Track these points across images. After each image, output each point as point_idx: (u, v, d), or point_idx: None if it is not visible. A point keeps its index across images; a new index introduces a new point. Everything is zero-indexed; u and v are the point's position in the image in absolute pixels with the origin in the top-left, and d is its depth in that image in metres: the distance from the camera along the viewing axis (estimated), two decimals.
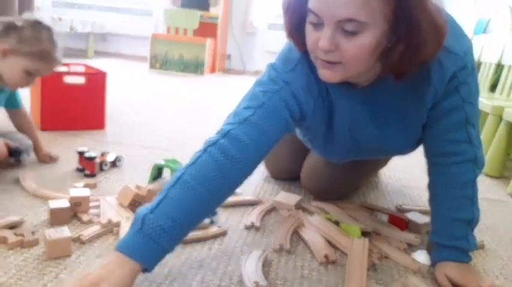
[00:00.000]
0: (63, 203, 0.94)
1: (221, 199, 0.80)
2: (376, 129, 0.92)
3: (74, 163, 1.29)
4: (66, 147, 1.45)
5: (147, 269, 0.68)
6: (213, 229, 0.97)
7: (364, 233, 0.99)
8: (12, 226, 0.88)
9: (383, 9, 0.67)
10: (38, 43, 1.10)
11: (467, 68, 0.82)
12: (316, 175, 1.23)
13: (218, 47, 4.68)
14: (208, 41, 4.35)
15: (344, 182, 1.22)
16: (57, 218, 0.92)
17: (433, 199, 0.94)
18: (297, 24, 0.77)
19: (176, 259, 0.84)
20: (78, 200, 0.96)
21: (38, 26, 1.11)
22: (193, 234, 0.93)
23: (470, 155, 0.87)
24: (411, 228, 1.07)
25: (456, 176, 0.88)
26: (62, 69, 1.64)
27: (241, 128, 0.80)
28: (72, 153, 1.33)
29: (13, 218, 0.90)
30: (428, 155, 0.94)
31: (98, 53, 5.09)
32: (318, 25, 0.71)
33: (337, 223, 1.03)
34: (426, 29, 0.69)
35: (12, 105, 1.28)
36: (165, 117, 2.15)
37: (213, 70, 4.67)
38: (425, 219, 1.09)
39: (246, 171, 0.80)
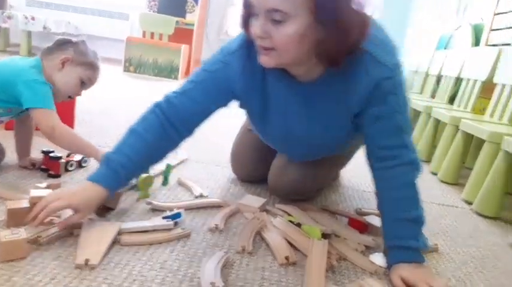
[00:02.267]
0: (22, 203, 0.92)
1: (165, 148, 1.01)
2: (306, 124, 1.02)
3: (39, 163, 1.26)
4: (32, 147, 1.41)
5: (109, 194, 0.92)
6: (177, 231, 0.97)
7: (324, 235, 1.02)
8: None
9: (305, 2, 0.76)
10: (89, 56, 1.23)
11: (394, 79, 0.90)
12: (281, 174, 1.26)
13: (193, 52, 4.69)
14: (183, 47, 4.35)
15: (307, 182, 1.25)
16: (15, 219, 0.90)
17: (379, 204, 0.98)
18: (246, 17, 0.87)
19: (137, 260, 0.84)
20: (38, 201, 0.94)
21: (85, 43, 1.26)
22: (156, 236, 0.94)
23: (406, 159, 0.93)
24: (370, 231, 1.11)
25: (395, 179, 0.94)
26: None
27: (180, 98, 0.99)
28: (37, 153, 1.31)
29: None
30: (368, 160, 0.99)
31: None
32: (256, 15, 0.81)
33: (299, 225, 1.06)
34: (349, 19, 0.79)
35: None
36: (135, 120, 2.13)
37: (187, 75, 4.66)
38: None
39: (182, 133, 1.01)
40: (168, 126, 0.97)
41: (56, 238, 0.87)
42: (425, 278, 0.86)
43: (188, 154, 1.64)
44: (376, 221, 1.14)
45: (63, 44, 1.21)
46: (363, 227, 1.11)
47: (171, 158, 1.52)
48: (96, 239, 0.87)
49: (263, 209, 1.18)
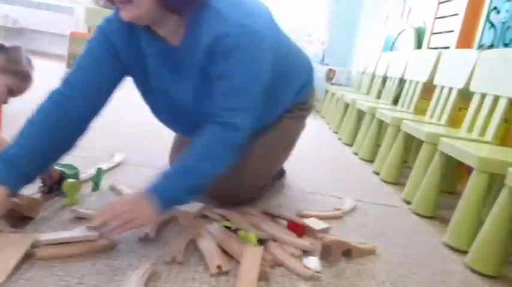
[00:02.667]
0: None
1: (68, 128, 0.98)
2: (182, 91, 1.04)
3: None
4: None
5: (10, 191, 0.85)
6: (101, 242, 0.90)
7: (261, 241, 0.99)
8: None
9: None
10: (21, 64, 1.19)
11: (238, 38, 0.91)
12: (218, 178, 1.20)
13: None
14: None
15: (246, 182, 1.20)
16: None
17: None
18: None
19: (52, 276, 0.77)
20: None
21: (20, 49, 1.21)
22: (77, 247, 0.86)
23: (225, 120, 0.94)
24: (309, 234, 1.09)
25: (204, 132, 0.95)
26: None
27: (74, 74, 1.01)
28: None
29: None
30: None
31: None
32: None
33: (236, 231, 1.02)
34: None
35: None
36: None
37: None
38: (322, 225, 1.12)
39: (83, 108, 1.00)
40: (67, 104, 0.97)
41: None
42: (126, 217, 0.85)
43: (124, 156, 1.55)
44: (314, 223, 1.12)
45: None
46: (301, 231, 1.09)
47: (105, 162, 1.44)
48: (6, 253, 0.78)
49: (200, 214, 1.13)
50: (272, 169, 1.34)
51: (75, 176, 1.15)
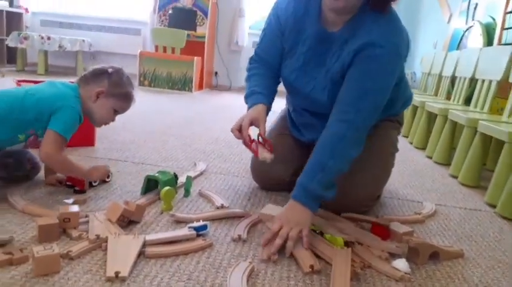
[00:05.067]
0: (52, 219, 0.95)
1: (275, 77, 1.30)
2: (324, 72, 1.17)
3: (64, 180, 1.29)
4: None
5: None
6: (199, 242, 0.99)
7: (347, 243, 1.02)
8: (0, 244, 0.88)
9: None
10: (123, 87, 1.27)
11: (382, 50, 1.04)
12: (349, 186, 1.22)
13: (205, 64, 4.74)
14: (196, 59, 4.41)
15: (370, 187, 1.28)
16: (46, 234, 0.93)
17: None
18: None
19: (165, 272, 0.86)
20: (67, 216, 0.97)
21: (120, 71, 1.29)
22: (180, 247, 0.95)
23: (351, 117, 1.06)
24: (393, 237, 1.11)
25: (333, 129, 1.08)
26: None
27: (259, 46, 1.32)
28: None
29: (1, 236, 0.90)
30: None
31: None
32: None
33: (321, 234, 1.06)
34: None
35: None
36: (155, 133, 2.17)
37: (200, 87, 4.72)
38: (405, 228, 1.13)
39: (273, 65, 1.28)
40: (266, 65, 1.29)
41: (85, 252, 0.90)
42: (290, 226, 0.99)
43: (206, 165, 1.66)
44: (397, 227, 1.13)
45: (98, 75, 1.24)
46: (385, 234, 1.11)
47: (191, 171, 1.55)
48: (123, 252, 0.88)
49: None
50: (387, 176, 1.36)
51: (171, 182, 1.26)
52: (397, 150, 1.38)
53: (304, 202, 1.04)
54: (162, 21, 4.76)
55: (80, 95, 1.22)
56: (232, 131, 1.17)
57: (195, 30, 4.69)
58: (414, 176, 1.87)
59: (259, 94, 1.23)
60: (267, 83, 1.27)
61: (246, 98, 1.26)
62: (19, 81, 1.90)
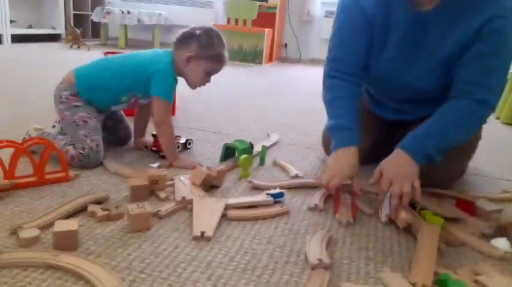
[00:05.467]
0: (142, 180, 1.03)
1: (358, 94, 1.17)
2: (423, 46, 1.07)
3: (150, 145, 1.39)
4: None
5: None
6: (277, 208, 1.01)
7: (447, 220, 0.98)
8: (99, 201, 0.98)
9: None
10: (213, 47, 1.25)
11: (506, 20, 0.95)
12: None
13: (276, 36, 4.70)
14: (267, 31, 4.38)
15: (456, 165, 1.23)
16: (137, 194, 1.01)
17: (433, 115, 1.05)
18: None
19: (246, 235, 0.90)
20: (155, 179, 1.04)
21: (210, 32, 1.26)
22: (258, 212, 0.98)
23: (481, 97, 1.00)
24: (480, 215, 1.04)
25: (458, 105, 1.02)
26: None
27: (336, 51, 1.15)
28: (148, 136, 1.44)
29: (100, 195, 1.00)
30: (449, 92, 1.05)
31: (163, 44, 5.32)
32: None
33: (420, 209, 1.02)
34: None
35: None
36: (228, 105, 2.23)
37: (270, 59, 4.71)
38: (493, 206, 1.06)
39: (359, 75, 1.15)
40: (347, 77, 1.12)
41: (172, 212, 0.96)
42: (401, 180, 0.95)
43: (279, 136, 1.67)
44: (485, 204, 1.06)
45: (187, 38, 1.25)
46: (471, 210, 1.05)
47: (265, 141, 1.57)
48: (207, 214, 0.94)
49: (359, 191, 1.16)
50: (473, 149, 1.29)
51: (248, 150, 1.30)
52: (485, 122, 1.27)
53: (415, 155, 0.99)
54: None
55: (174, 59, 1.26)
56: (320, 184, 1.07)
57: (266, 1, 4.64)
58: (502, 153, 1.73)
59: (349, 131, 1.08)
60: (353, 108, 1.12)
61: (331, 131, 1.12)
62: (107, 53, 2.03)
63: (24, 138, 1.25)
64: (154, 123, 1.27)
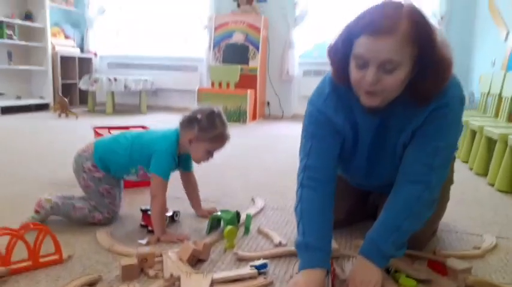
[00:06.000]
0: (132, 260, 1.09)
1: (331, 207, 1.13)
2: (379, 149, 1.15)
3: (138, 219, 1.46)
4: (128, 204, 1.63)
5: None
6: (261, 280, 1.07)
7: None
8: (93, 283, 1.03)
9: (411, 52, 0.92)
10: (213, 130, 1.38)
11: (449, 108, 1.03)
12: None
13: (258, 95, 4.93)
14: (249, 92, 4.61)
15: (428, 229, 1.30)
16: (128, 274, 1.07)
17: (384, 207, 1.10)
18: (341, 68, 1.03)
19: None
20: (144, 257, 1.11)
21: (212, 115, 1.39)
22: (242, 285, 1.05)
23: (426, 178, 1.05)
24: (449, 274, 1.12)
25: (406, 191, 1.07)
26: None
27: (312, 158, 1.14)
28: (136, 210, 1.50)
29: (93, 276, 1.06)
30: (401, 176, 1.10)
31: (150, 107, 5.51)
32: (363, 66, 0.95)
33: (393, 272, 1.10)
34: (439, 63, 0.95)
35: (186, 168, 1.55)
36: (215, 165, 2.31)
37: (254, 117, 4.89)
38: (463, 264, 1.13)
39: (331, 184, 1.13)
40: (320, 186, 1.12)
41: None
42: (366, 285, 1.00)
43: (264, 201, 1.75)
44: (456, 263, 1.14)
45: (190, 121, 1.38)
46: (442, 270, 1.13)
47: (250, 208, 1.65)
48: None
49: (337, 254, 1.24)
50: (443, 211, 1.39)
51: (233, 220, 1.37)
52: (452, 183, 1.39)
53: (376, 260, 1.04)
54: (217, 57, 5.03)
55: (179, 139, 1.40)
56: None
57: (247, 64, 4.91)
58: (474, 206, 1.83)
59: (317, 251, 1.04)
60: (325, 226, 1.09)
61: (298, 249, 1.08)
62: (96, 128, 2.15)
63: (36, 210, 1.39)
64: (150, 195, 1.37)
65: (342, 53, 1.00)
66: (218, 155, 1.46)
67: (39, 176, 2.06)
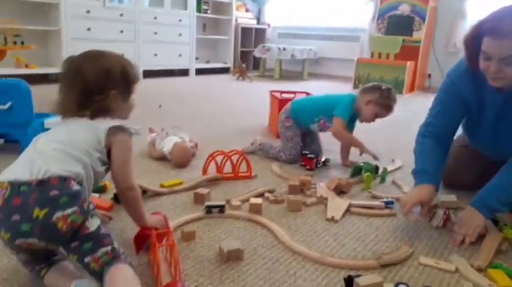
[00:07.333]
0: (295, 182, 1.59)
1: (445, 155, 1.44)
2: (510, 119, 1.35)
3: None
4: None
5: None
6: (386, 211, 1.45)
7: None
8: (271, 191, 1.57)
9: None
10: (389, 100, 1.85)
11: None
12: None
13: (419, 67, 4.92)
14: (409, 64, 4.66)
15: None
16: (292, 190, 1.58)
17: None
18: (473, 55, 1.27)
19: (362, 223, 1.37)
20: (304, 182, 1.60)
21: (391, 89, 1.89)
22: (372, 211, 1.44)
23: None
24: None
25: None
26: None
27: (436, 118, 1.46)
28: None
29: (267, 188, 1.60)
30: None
31: (310, 74, 6.03)
32: (488, 59, 1.20)
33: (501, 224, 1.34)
34: None
35: (350, 129, 1.96)
36: (368, 132, 2.67)
37: (411, 89, 4.94)
38: None
39: (448, 141, 1.45)
40: (437, 138, 1.43)
41: (314, 203, 1.50)
42: (468, 227, 1.26)
43: (402, 161, 2.06)
44: None
45: (374, 89, 1.85)
46: None
47: (389, 165, 1.99)
48: (337, 206, 1.45)
49: (455, 205, 1.51)
50: None
51: (371, 171, 1.76)
52: None
53: (480, 209, 1.30)
54: (380, 28, 5.17)
55: (356, 101, 1.86)
56: (403, 205, 1.32)
57: (411, 35, 4.92)
58: None
59: (430, 175, 1.35)
60: (438, 160, 1.40)
61: (415, 174, 1.40)
62: (272, 91, 2.71)
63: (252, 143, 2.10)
64: (332, 134, 1.91)
65: (472, 46, 1.25)
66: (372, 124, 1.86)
67: (230, 125, 2.77)
